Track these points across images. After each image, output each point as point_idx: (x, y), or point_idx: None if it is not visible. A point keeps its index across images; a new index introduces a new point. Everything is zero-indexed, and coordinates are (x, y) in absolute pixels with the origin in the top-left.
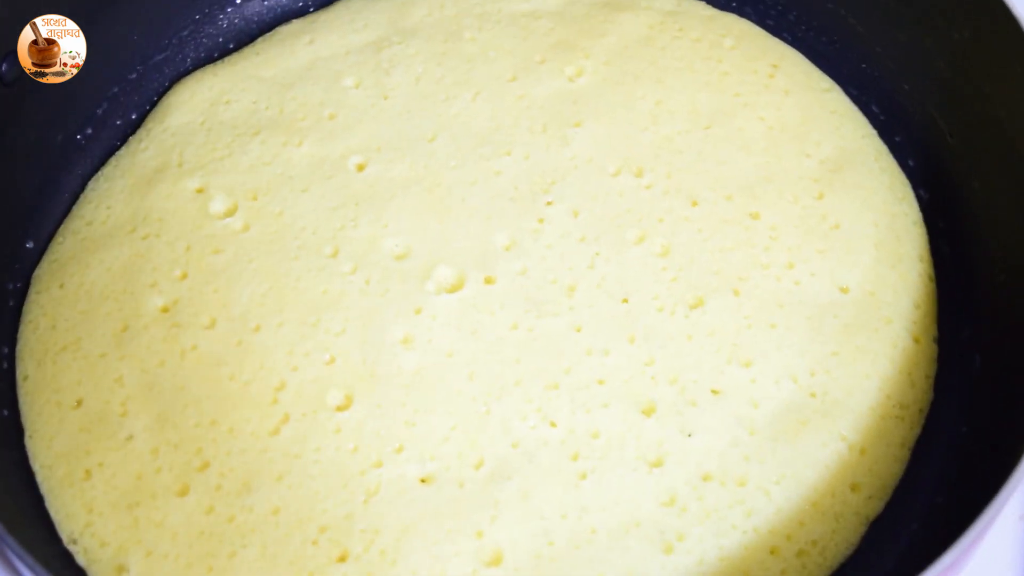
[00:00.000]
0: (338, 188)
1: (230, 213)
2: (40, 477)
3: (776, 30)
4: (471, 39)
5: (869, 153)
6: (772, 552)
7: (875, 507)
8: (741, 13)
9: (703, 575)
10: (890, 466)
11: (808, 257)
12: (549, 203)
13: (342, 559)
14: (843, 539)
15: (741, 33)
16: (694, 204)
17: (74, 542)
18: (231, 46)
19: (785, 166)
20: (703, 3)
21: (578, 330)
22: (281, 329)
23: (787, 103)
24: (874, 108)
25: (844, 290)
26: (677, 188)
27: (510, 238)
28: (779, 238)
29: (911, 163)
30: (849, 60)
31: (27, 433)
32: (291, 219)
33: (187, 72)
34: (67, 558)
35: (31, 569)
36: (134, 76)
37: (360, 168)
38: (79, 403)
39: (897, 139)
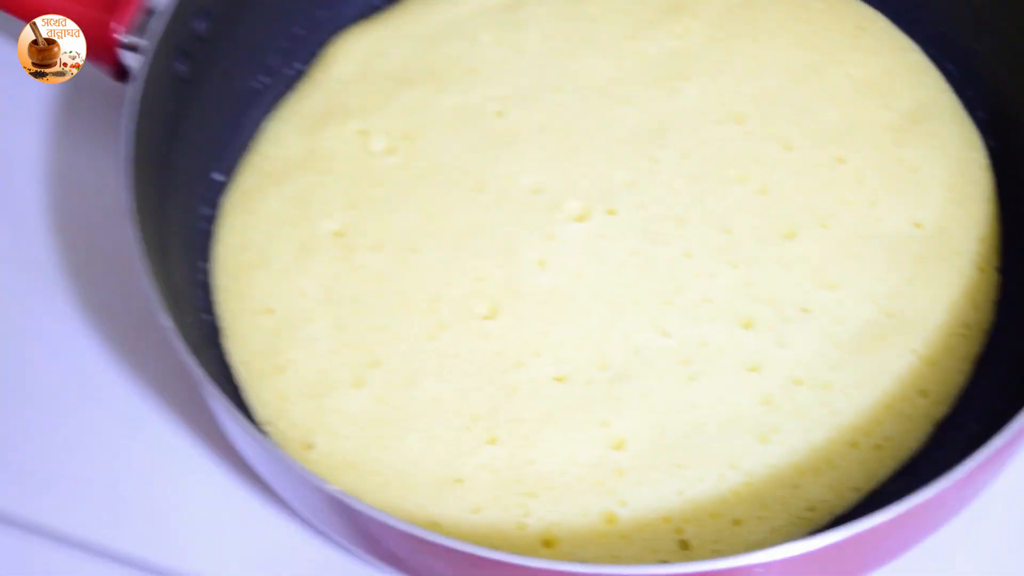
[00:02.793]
0: (480, 132)
1: (389, 152)
2: (237, 372)
3: None
4: (593, 1)
5: (944, 106)
6: (852, 445)
7: (941, 410)
8: None
9: (793, 464)
10: (955, 376)
11: (888, 197)
12: (662, 146)
13: (491, 442)
14: (913, 436)
15: None
16: (788, 149)
17: (269, 424)
18: (385, 3)
19: (869, 117)
20: None
21: (688, 256)
22: (436, 251)
23: (871, 61)
24: (949, 66)
25: (919, 225)
26: (773, 135)
27: (629, 176)
28: (863, 180)
29: (981, 115)
30: (928, 23)
31: (224, 334)
32: (441, 158)
33: (344, 26)
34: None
35: (244, 428)
36: (301, 32)
37: (499, 115)
38: (269, 311)
39: (969, 94)
